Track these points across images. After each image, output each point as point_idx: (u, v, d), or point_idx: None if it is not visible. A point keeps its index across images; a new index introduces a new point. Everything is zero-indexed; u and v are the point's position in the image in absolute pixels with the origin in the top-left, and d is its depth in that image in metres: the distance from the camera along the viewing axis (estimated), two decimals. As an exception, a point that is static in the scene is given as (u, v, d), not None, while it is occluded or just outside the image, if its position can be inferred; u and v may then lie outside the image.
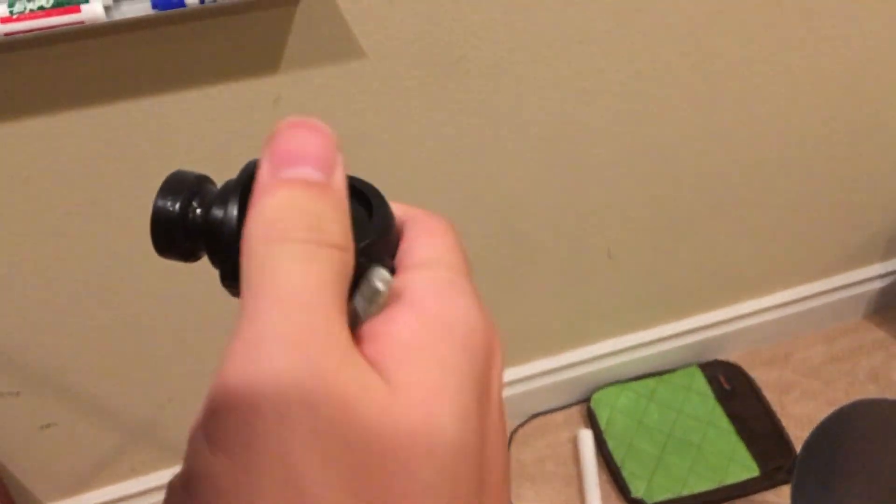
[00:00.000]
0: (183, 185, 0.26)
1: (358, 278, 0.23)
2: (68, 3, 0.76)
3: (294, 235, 0.21)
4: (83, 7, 0.76)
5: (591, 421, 1.43)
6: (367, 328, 0.23)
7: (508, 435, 1.42)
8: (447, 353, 0.22)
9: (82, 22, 0.77)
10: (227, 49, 0.86)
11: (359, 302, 0.23)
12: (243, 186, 0.25)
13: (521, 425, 1.44)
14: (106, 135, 0.89)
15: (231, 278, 0.25)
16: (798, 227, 1.39)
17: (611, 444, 1.38)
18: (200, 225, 0.26)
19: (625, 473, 1.34)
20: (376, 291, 0.23)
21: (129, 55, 0.84)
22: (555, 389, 1.44)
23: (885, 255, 1.54)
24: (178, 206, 0.26)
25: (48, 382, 1.09)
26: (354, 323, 0.23)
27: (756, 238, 1.38)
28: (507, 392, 1.40)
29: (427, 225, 0.27)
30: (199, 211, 0.26)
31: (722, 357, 1.51)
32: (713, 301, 1.46)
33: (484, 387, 0.23)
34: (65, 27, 0.76)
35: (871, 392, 1.47)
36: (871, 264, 1.54)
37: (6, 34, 0.75)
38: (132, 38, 0.83)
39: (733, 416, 1.41)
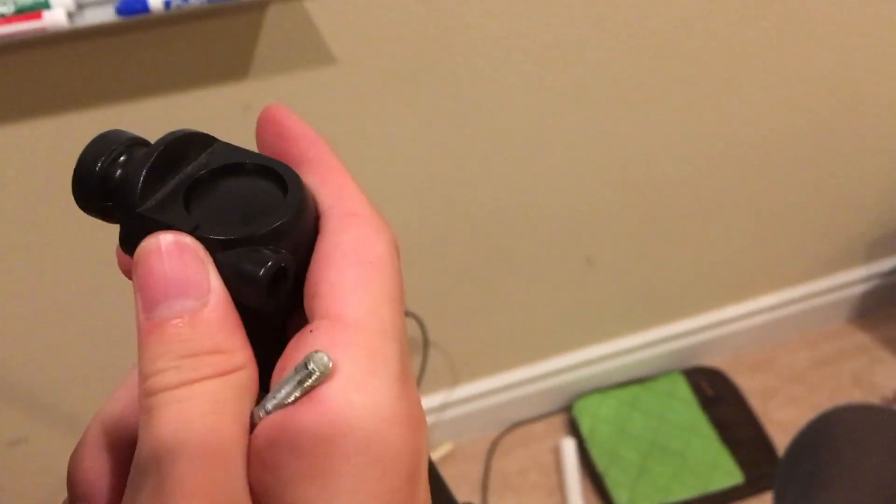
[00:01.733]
0: (111, 144, 0.26)
1: (255, 266, 0.23)
2: (30, 10, 0.75)
3: (166, 382, 0.22)
4: (45, 14, 0.75)
5: (574, 429, 1.42)
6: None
7: (489, 445, 1.41)
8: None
9: (44, 29, 0.75)
10: (194, 56, 0.85)
11: (289, 381, 0.22)
12: (155, 155, 0.25)
13: (503, 435, 1.43)
14: (71, 144, 0.87)
15: (124, 242, 0.25)
16: (780, 232, 1.39)
17: (593, 453, 1.37)
18: (114, 186, 0.26)
19: (608, 482, 1.33)
20: (307, 378, 0.22)
21: (93, 63, 0.82)
22: (536, 398, 1.43)
23: (868, 259, 1.54)
24: (99, 164, 0.26)
25: (17, 397, 1.07)
26: (287, 399, 0.22)
27: (738, 243, 1.37)
28: (487, 401, 1.39)
29: (366, 252, 0.25)
30: (118, 172, 0.26)
31: (705, 363, 1.51)
32: (695, 307, 1.46)
33: None
34: (26, 34, 0.75)
35: (855, 396, 1.47)
36: (854, 268, 1.54)
37: (-34, 42, 0.74)
38: (96, 45, 0.81)
39: (717, 423, 1.41)
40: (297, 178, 0.26)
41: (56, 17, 0.75)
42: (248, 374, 0.23)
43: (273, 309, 0.24)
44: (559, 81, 1.02)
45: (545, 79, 1.01)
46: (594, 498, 1.34)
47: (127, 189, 0.25)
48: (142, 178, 0.25)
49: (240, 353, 0.23)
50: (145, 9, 0.77)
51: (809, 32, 1.11)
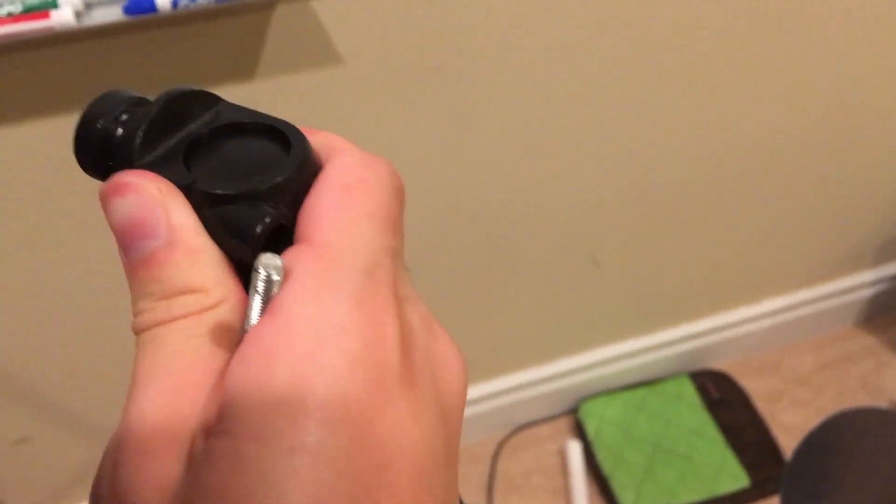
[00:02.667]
0: (112, 103, 0.26)
1: (268, 227, 0.23)
2: (37, 9, 0.75)
3: (145, 322, 0.23)
4: (52, 13, 0.75)
5: (580, 432, 1.41)
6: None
7: (495, 447, 1.41)
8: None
9: (52, 28, 0.75)
10: (201, 55, 0.85)
11: (253, 296, 0.22)
12: (155, 111, 0.25)
13: (508, 437, 1.43)
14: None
15: None
16: (787, 235, 1.38)
17: (599, 456, 1.37)
18: (114, 145, 0.25)
19: (613, 485, 1.33)
20: (266, 283, 0.22)
21: (100, 62, 0.82)
22: (541, 400, 1.42)
23: (875, 263, 1.53)
24: (100, 122, 0.26)
25: (22, 396, 1.08)
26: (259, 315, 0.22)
27: (745, 245, 1.37)
28: (492, 403, 1.39)
29: (345, 177, 0.25)
30: (119, 131, 0.25)
31: (711, 366, 1.50)
32: (702, 309, 1.46)
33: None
34: (34, 34, 0.75)
35: (861, 400, 1.46)
36: (861, 271, 1.53)
37: (-26, 41, 0.74)
38: (104, 44, 0.81)
39: (723, 426, 1.40)
40: (301, 137, 0.25)
41: (64, 16, 0.75)
42: (228, 308, 0.23)
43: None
44: (565, 82, 1.02)
45: (551, 79, 1.01)
46: (600, 500, 1.34)
47: (126, 147, 0.25)
48: (141, 134, 0.25)
49: (215, 289, 0.23)
50: (153, 8, 0.77)
51: (815, 34, 1.10)
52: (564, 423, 1.45)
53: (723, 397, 1.45)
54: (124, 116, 0.26)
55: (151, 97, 0.26)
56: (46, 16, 0.75)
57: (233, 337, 0.23)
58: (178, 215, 0.23)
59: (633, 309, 1.40)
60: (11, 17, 0.74)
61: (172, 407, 0.21)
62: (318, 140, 0.26)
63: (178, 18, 0.81)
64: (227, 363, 0.22)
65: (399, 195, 0.26)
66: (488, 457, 1.40)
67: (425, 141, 1.01)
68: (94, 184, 0.85)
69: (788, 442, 1.36)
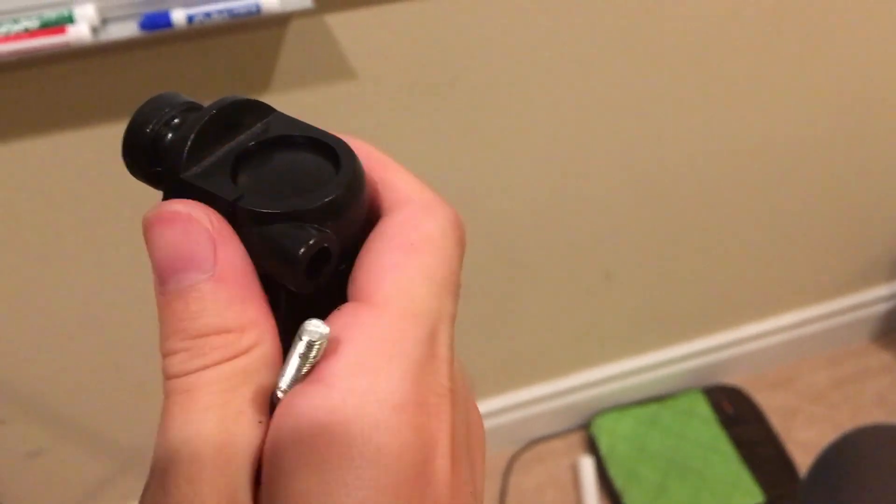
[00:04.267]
0: (164, 107, 0.25)
1: (301, 240, 0.22)
2: (54, 24, 0.76)
3: (176, 369, 0.22)
4: (69, 28, 0.76)
5: (592, 447, 1.41)
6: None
7: (507, 461, 1.40)
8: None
9: (68, 43, 0.76)
10: (216, 70, 0.85)
11: (293, 356, 0.22)
12: (205, 120, 0.24)
13: (521, 451, 1.42)
14: (93, 157, 0.88)
15: None
16: (802, 249, 1.38)
17: (612, 471, 1.36)
18: (162, 150, 0.25)
19: (626, 501, 1.32)
20: (308, 349, 0.21)
21: (117, 77, 0.83)
22: (554, 415, 1.42)
23: (891, 277, 1.52)
24: (150, 126, 0.25)
25: (35, 409, 1.08)
26: (298, 374, 0.22)
27: (759, 259, 1.36)
28: (505, 418, 1.38)
29: (410, 233, 0.24)
30: (169, 136, 0.25)
31: (725, 381, 1.49)
32: (715, 324, 1.45)
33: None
34: (51, 49, 0.76)
35: (877, 417, 1.45)
36: (878, 286, 1.52)
37: (-9, 56, 0.74)
38: (120, 59, 0.82)
39: (737, 442, 1.39)
40: (351, 155, 0.24)
41: (80, 31, 0.75)
42: (263, 352, 0.22)
43: (312, 292, 0.23)
44: (578, 96, 1.02)
45: (564, 93, 1.01)
46: (612, 516, 1.33)
47: (173, 153, 0.24)
48: (189, 143, 0.24)
49: (252, 330, 0.22)
50: (168, 24, 0.77)
51: (833, 44, 1.10)
52: (577, 438, 1.44)
53: (737, 413, 1.44)
54: (175, 121, 0.25)
55: (204, 103, 0.26)
56: (63, 31, 0.75)
57: (264, 387, 0.22)
58: (227, 250, 0.22)
59: (647, 323, 1.39)
60: (28, 33, 0.75)
61: (220, 483, 0.20)
62: (370, 159, 0.25)
63: (193, 33, 0.82)
64: (260, 423, 0.21)
65: (461, 249, 0.25)
66: (501, 471, 1.39)
67: (438, 155, 1.01)
68: (109, 200, 0.85)
69: (803, 458, 1.35)
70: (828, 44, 1.09)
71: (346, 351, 0.21)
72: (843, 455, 0.80)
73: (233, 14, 0.78)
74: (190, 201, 0.23)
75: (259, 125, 0.26)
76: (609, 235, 1.21)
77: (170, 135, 0.25)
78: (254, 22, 0.83)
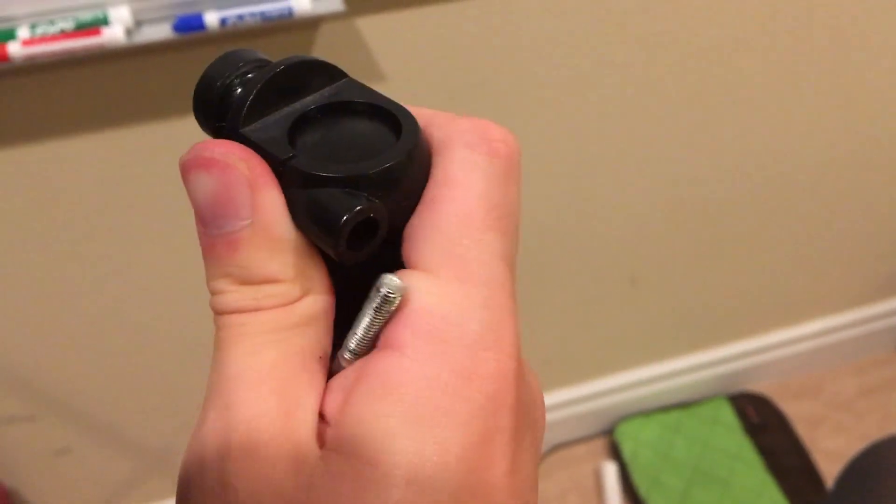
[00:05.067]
0: (237, 62, 0.25)
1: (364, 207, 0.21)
2: (89, 26, 0.77)
3: (228, 305, 0.22)
4: (104, 30, 0.76)
5: (615, 453, 1.40)
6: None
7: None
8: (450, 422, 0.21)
9: (102, 45, 0.77)
10: (247, 72, 0.86)
11: (366, 313, 0.22)
12: (269, 77, 0.24)
13: (544, 456, 1.41)
14: (126, 158, 0.88)
15: None
16: (829, 256, 1.37)
17: (635, 478, 1.35)
18: (229, 104, 0.24)
19: (650, 508, 1.31)
20: (385, 301, 0.21)
21: (150, 78, 0.84)
22: (577, 420, 1.41)
23: (919, 286, 1.51)
24: (220, 80, 0.25)
25: (63, 407, 1.09)
26: (368, 334, 0.22)
27: (786, 266, 1.35)
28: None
29: (478, 201, 0.23)
30: (238, 91, 0.24)
31: (750, 389, 1.48)
32: (741, 331, 1.44)
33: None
34: (85, 50, 0.76)
35: (905, 427, 1.43)
36: (905, 295, 1.51)
37: (28, 56, 0.75)
38: (153, 61, 0.83)
39: (763, 450, 1.38)
40: (414, 125, 0.24)
41: (114, 33, 0.76)
42: (313, 300, 0.22)
43: (354, 264, 0.22)
44: (606, 100, 1.02)
45: (592, 97, 1.01)
46: (635, 523, 1.32)
47: (235, 108, 0.24)
48: (251, 98, 0.23)
49: (299, 281, 0.22)
50: (201, 26, 0.78)
51: (862, 56, 1.09)
52: (600, 444, 1.43)
53: (763, 421, 1.42)
54: (249, 76, 0.25)
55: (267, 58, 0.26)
56: (98, 32, 0.76)
57: (321, 332, 0.22)
58: (266, 198, 0.22)
59: (672, 329, 1.38)
60: (64, 34, 0.76)
61: (282, 413, 0.21)
62: (438, 127, 0.25)
63: (225, 36, 0.83)
64: (322, 364, 0.22)
65: (502, 172, 0.24)
66: (537, 482, 1.38)
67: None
68: (140, 200, 0.86)
69: (830, 468, 1.33)
70: (860, 54, 1.08)
71: (410, 318, 0.21)
72: (871, 465, 0.79)
73: (265, 17, 0.79)
74: (228, 143, 0.22)
75: (328, 89, 0.25)
76: (635, 241, 1.20)
77: (239, 90, 0.24)
78: (285, 24, 0.84)
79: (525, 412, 0.23)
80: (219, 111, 0.25)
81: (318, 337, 0.22)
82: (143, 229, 0.94)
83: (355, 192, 0.22)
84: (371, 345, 0.22)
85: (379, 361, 0.21)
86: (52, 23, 0.76)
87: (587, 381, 1.39)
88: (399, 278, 0.22)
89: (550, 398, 1.38)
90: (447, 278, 0.22)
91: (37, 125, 0.84)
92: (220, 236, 0.22)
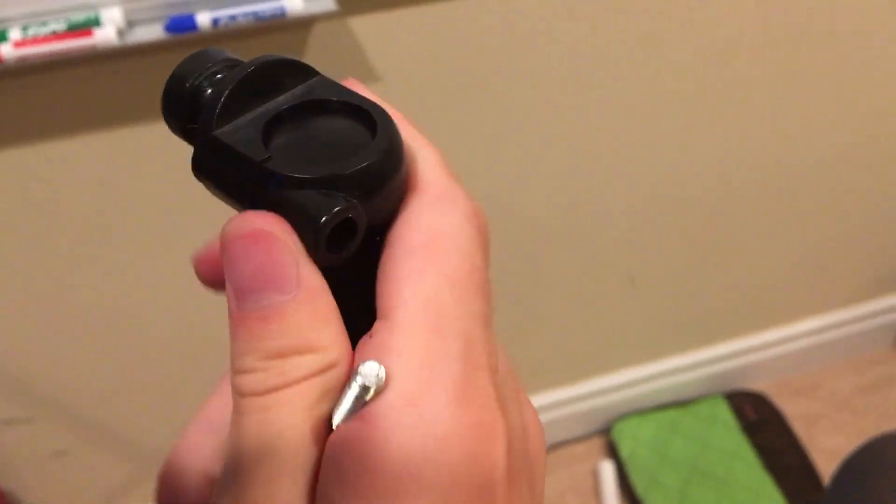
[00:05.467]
0: (206, 62, 0.24)
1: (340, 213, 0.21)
2: (81, 27, 0.76)
3: (253, 387, 0.21)
4: (95, 31, 0.76)
5: (613, 452, 1.40)
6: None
7: None
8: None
9: (94, 46, 0.77)
10: (240, 73, 0.86)
11: (347, 398, 0.21)
12: (241, 78, 0.23)
13: (542, 456, 1.41)
14: (119, 159, 0.88)
15: (195, 165, 0.24)
16: (826, 253, 1.36)
17: (633, 477, 1.35)
18: (200, 104, 0.24)
19: (648, 507, 1.31)
20: (364, 390, 0.21)
21: (142, 79, 0.84)
22: (575, 419, 1.41)
23: (917, 283, 1.51)
24: (189, 81, 0.24)
25: (61, 409, 1.09)
26: (349, 418, 0.21)
27: (783, 264, 1.35)
28: (526, 422, 1.37)
29: (418, 235, 0.23)
30: (208, 92, 0.24)
31: (748, 387, 1.48)
32: (738, 329, 1.44)
33: None
34: (77, 51, 0.76)
35: (903, 424, 1.43)
36: (902, 292, 1.51)
37: (19, 58, 0.75)
38: (146, 62, 0.83)
39: (760, 449, 1.38)
40: (389, 124, 0.23)
41: (106, 34, 0.76)
42: (339, 371, 0.21)
43: (338, 266, 0.22)
44: (604, 100, 1.02)
45: (589, 96, 1.01)
46: (633, 522, 1.32)
47: (207, 109, 0.23)
48: (222, 99, 0.23)
49: (333, 348, 0.21)
50: (193, 27, 0.78)
51: (858, 54, 1.09)
52: (598, 443, 1.43)
53: (760, 419, 1.42)
54: (217, 76, 0.24)
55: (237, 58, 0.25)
56: (89, 34, 0.76)
57: (332, 407, 0.22)
58: (309, 270, 0.21)
59: (669, 328, 1.38)
60: (55, 35, 0.76)
61: (293, 491, 0.20)
62: (409, 137, 0.24)
63: (218, 36, 0.82)
64: (323, 436, 0.21)
65: (482, 240, 0.24)
66: None
67: (461, 157, 1.01)
68: (134, 201, 0.86)
69: (827, 466, 1.33)
70: (857, 51, 1.08)
71: (387, 385, 0.21)
72: (868, 462, 0.79)
73: (258, 17, 0.79)
74: (271, 215, 0.22)
75: (300, 88, 0.25)
76: (633, 240, 1.20)
77: (209, 90, 0.24)
78: (278, 24, 0.84)
79: (519, 469, 0.22)
80: (189, 112, 0.24)
81: (333, 404, 0.22)
82: (138, 230, 0.94)
83: (333, 192, 0.21)
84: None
85: (352, 438, 0.20)
86: (43, 24, 0.76)
87: (585, 379, 1.39)
88: (377, 335, 0.21)
89: (548, 397, 1.38)
90: (424, 334, 0.21)
91: (29, 127, 0.84)
92: (258, 309, 0.21)
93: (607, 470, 1.37)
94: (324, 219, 0.21)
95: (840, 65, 1.10)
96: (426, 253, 0.22)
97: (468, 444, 0.20)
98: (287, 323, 0.21)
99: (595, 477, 1.38)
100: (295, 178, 0.21)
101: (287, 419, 0.21)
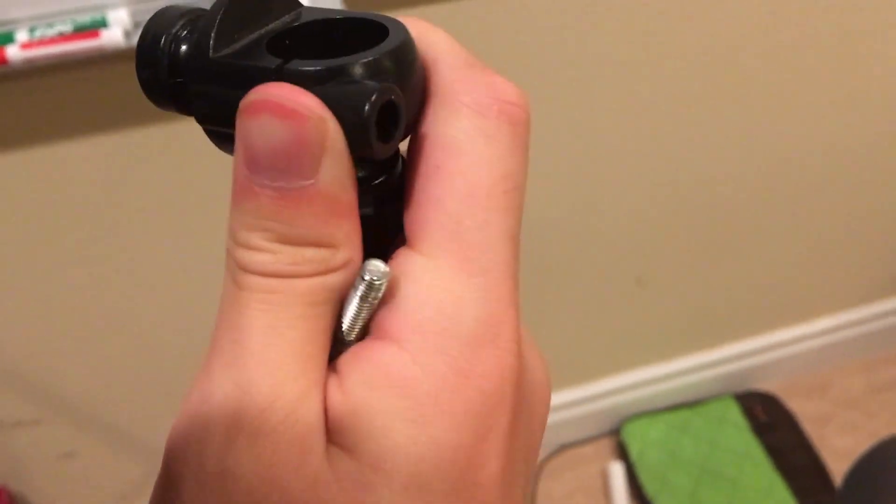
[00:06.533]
0: (173, 18, 0.23)
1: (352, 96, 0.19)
2: (88, 29, 0.76)
3: (261, 266, 0.20)
4: (102, 32, 0.76)
5: (622, 453, 1.39)
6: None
7: (537, 467, 1.39)
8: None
9: (101, 47, 0.77)
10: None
11: (352, 300, 0.21)
12: (228, 4, 0.22)
13: (550, 457, 1.41)
14: (126, 160, 0.88)
15: (204, 117, 0.22)
16: (837, 253, 1.36)
17: (642, 478, 1.34)
18: (182, 58, 0.22)
19: (657, 508, 1.30)
20: (370, 288, 0.20)
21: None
22: (584, 420, 1.41)
23: (928, 283, 1.50)
24: (163, 37, 0.23)
25: (69, 411, 1.09)
26: (356, 322, 0.21)
27: (793, 264, 1.35)
28: (535, 423, 1.37)
29: (438, 147, 0.22)
30: (184, 47, 0.22)
31: (758, 387, 1.47)
32: (748, 329, 1.43)
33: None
34: (84, 53, 0.76)
35: (915, 424, 1.42)
36: (913, 292, 1.50)
37: (26, 60, 0.75)
38: (152, 63, 0.82)
39: (771, 449, 1.37)
40: (399, 25, 0.22)
41: (113, 35, 0.76)
42: (349, 273, 0.21)
43: (382, 159, 0.21)
44: (610, 99, 1.01)
45: (595, 96, 1.00)
46: (643, 524, 1.32)
47: (199, 45, 0.22)
48: (217, 25, 0.21)
49: (347, 247, 0.20)
50: (200, 27, 0.78)
51: (868, 55, 1.08)
52: (607, 444, 1.43)
53: (770, 420, 1.42)
54: (186, 31, 0.23)
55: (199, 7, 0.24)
56: (96, 35, 0.76)
57: (339, 307, 0.21)
58: (338, 161, 0.20)
59: (678, 328, 1.38)
60: (62, 37, 0.76)
61: (297, 400, 0.20)
62: (445, 67, 0.23)
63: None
64: (330, 336, 0.21)
65: (511, 139, 0.23)
66: (530, 477, 1.38)
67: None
68: (141, 202, 0.86)
69: (839, 467, 1.33)
70: (869, 50, 1.08)
71: (406, 307, 0.20)
72: (880, 463, 0.78)
73: (263, 17, 0.78)
74: (305, 93, 0.20)
75: (288, 15, 0.23)
76: (641, 240, 1.20)
77: (184, 46, 0.22)
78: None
79: (523, 407, 0.22)
80: (170, 68, 0.23)
81: (337, 313, 0.21)
82: (146, 232, 0.94)
83: (361, 80, 0.20)
84: (363, 332, 0.21)
85: (376, 352, 0.20)
86: (50, 26, 0.76)
87: (594, 380, 1.39)
88: (396, 260, 0.21)
89: (557, 398, 1.37)
90: (447, 264, 0.21)
91: (36, 128, 0.84)
92: (273, 189, 0.19)
93: (617, 471, 1.36)
94: (373, 97, 0.19)
95: (851, 64, 1.09)
96: (444, 174, 0.21)
97: (486, 384, 0.20)
98: (303, 211, 0.20)
99: (604, 478, 1.38)
100: (320, 70, 0.20)
101: (292, 309, 0.20)
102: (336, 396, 0.20)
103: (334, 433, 0.20)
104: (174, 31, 0.23)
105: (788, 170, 1.19)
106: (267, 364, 0.20)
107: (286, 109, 0.19)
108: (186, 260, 0.95)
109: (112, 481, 1.20)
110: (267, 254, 0.20)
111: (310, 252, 0.20)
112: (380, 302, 0.21)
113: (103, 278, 0.97)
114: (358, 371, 0.20)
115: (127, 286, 0.99)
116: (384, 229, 0.23)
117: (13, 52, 0.74)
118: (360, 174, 0.21)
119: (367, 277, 0.20)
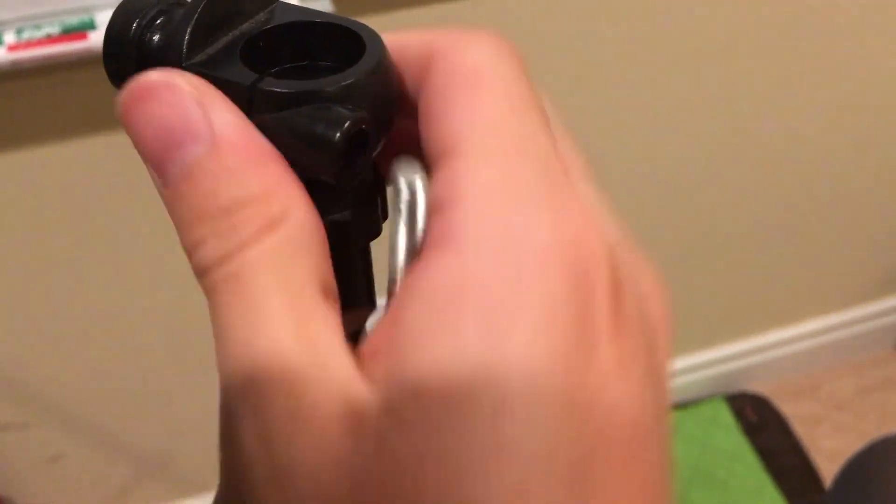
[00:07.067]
0: (144, 5, 0.22)
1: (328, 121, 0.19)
2: (76, 31, 0.76)
3: (212, 256, 0.18)
4: (90, 34, 0.76)
5: (613, 454, 1.39)
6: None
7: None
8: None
9: (90, 49, 0.76)
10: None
11: (400, 230, 0.19)
12: (202, 5, 0.21)
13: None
14: (115, 163, 0.88)
15: None
16: (826, 255, 1.36)
17: (633, 479, 1.34)
18: (152, 51, 0.21)
19: (648, 509, 1.30)
20: (412, 203, 0.19)
21: (137, 82, 0.83)
22: (575, 422, 1.41)
23: (917, 284, 1.50)
24: (133, 26, 0.22)
25: (57, 413, 1.08)
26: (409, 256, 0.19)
27: (783, 266, 1.35)
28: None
29: (458, 65, 0.20)
30: (156, 37, 0.21)
31: (748, 389, 1.48)
32: (739, 331, 1.43)
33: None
34: (72, 55, 0.76)
35: (904, 425, 1.43)
36: (903, 293, 1.51)
37: (14, 62, 0.75)
38: (141, 65, 0.82)
39: (761, 451, 1.38)
40: (375, 35, 0.22)
41: (101, 37, 0.76)
42: (299, 217, 0.19)
43: (347, 186, 0.20)
44: (602, 100, 1.02)
45: (588, 92, 1.01)
46: (634, 525, 1.31)
47: (171, 47, 0.21)
48: (189, 29, 0.21)
49: (278, 192, 0.19)
50: (189, 29, 0.78)
51: (863, 55, 1.09)
52: (598, 446, 1.43)
53: (760, 421, 1.42)
54: (159, 20, 0.22)
55: None
56: (84, 37, 0.76)
57: (321, 261, 0.19)
58: (220, 110, 0.19)
59: (668, 330, 1.38)
60: (50, 39, 0.75)
61: (311, 355, 0.17)
62: (397, 43, 0.22)
63: (213, 39, 0.82)
64: (335, 305, 0.19)
65: (522, 69, 0.22)
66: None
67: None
68: (129, 204, 0.85)
69: (829, 468, 1.33)
70: (857, 51, 1.08)
71: (461, 204, 0.18)
72: (870, 464, 0.79)
73: (253, 19, 0.78)
74: (161, 69, 0.19)
75: (262, 14, 0.23)
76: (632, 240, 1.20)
77: (156, 36, 0.21)
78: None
79: (625, 284, 0.19)
80: (139, 59, 0.22)
81: (318, 265, 0.19)
82: (135, 234, 0.93)
83: (333, 105, 0.19)
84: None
85: (432, 273, 0.17)
86: (38, 27, 0.75)
87: (584, 382, 1.39)
88: (438, 173, 0.19)
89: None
90: (498, 156, 0.18)
91: (24, 131, 0.83)
92: (182, 173, 0.18)
93: (607, 472, 1.36)
94: (338, 134, 0.19)
95: (845, 66, 1.10)
96: (473, 84, 0.20)
97: (569, 262, 0.17)
98: (216, 173, 0.18)
99: (595, 479, 1.38)
100: (295, 93, 0.20)
101: (263, 280, 0.18)
102: (384, 342, 0.17)
103: (398, 387, 0.17)
104: (145, 21, 0.22)
105: (778, 172, 1.19)
106: (271, 344, 0.18)
107: (148, 91, 0.19)
108: (174, 262, 0.95)
109: (101, 484, 1.20)
110: (209, 240, 0.18)
111: (242, 213, 0.18)
112: (428, 213, 0.19)
113: (90, 281, 0.97)
114: (408, 306, 0.17)
115: (114, 289, 0.98)
116: (362, 234, 0.22)
117: (0, 53, 0.74)
118: (332, 182, 0.20)
119: (404, 188, 0.19)
